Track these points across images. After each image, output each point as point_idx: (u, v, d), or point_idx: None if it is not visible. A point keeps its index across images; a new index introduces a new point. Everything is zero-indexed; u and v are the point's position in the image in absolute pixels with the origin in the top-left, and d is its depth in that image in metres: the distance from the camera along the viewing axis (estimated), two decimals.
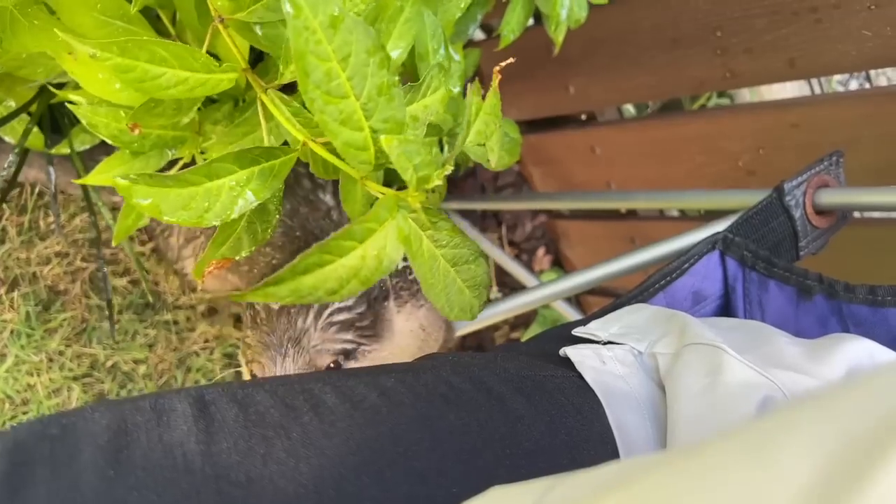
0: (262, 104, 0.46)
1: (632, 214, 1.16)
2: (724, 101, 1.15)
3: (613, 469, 0.23)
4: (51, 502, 0.27)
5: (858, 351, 0.40)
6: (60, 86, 0.62)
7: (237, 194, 0.41)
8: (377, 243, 0.38)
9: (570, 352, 0.46)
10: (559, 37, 0.73)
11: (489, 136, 0.48)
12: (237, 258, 0.48)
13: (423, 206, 0.40)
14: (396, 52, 0.48)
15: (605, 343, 0.47)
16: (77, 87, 0.60)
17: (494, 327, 1.29)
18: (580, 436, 0.39)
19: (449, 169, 0.41)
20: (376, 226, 0.37)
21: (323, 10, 0.32)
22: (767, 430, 0.18)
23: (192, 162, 0.52)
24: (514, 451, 0.36)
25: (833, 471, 0.16)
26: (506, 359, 0.45)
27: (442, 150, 0.60)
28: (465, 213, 1.23)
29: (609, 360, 0.45)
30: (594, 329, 0.49)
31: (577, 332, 0.50)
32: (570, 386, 0.42)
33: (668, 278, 0.56)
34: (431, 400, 0.37)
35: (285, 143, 0.48)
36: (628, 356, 0.45)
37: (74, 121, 0.72)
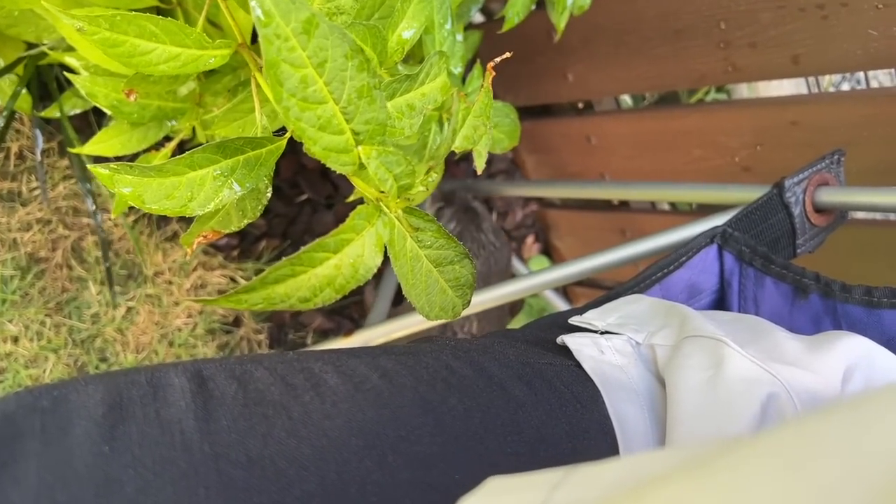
0: (257, 84, 0.44)
1: (623, 206, 1.16)
2: (722, 95, 1.15)
3: (624, 469, 0.22)
4: (42, 478, 0.26)
5: (856, 347, 0.40)
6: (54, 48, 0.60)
7: (221, 184, 0.39)
8: (354, 251, 0.36)
9: (569, 340, 0.45)
10: (562, 23, 0.72)
11: (477, 141, 0.47)
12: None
13: (407, 209, 0.39)
14: (409, 33, 0.46)
15: (602, 333, 0.47)
16: (69, 48, 0.58)
17: None
18: (580, 425, 0.38)
19: (434, 176, 0.40)
20: (353, 236, 0.36)
21: (296, 17, 0.30)
22: (802, 440, 0.18)
23: (193, 134, 0.51)
24: (515, 438, 0.35)
25: (885, 492, 0.15)
26: (504, 345, 0.44)
27: (442, 128, 0.59)
28: None
29: (607, 349, 0.44)
30: (591, 318, 0.49)
31: (574, 320, 0.49)
32: (568, 374, 0.42)
33: (666, 270, 0.56)
34: (433, 384, 0.36)
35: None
36: (626, 346, 0.45)
37: (65, 84, 0.70)
